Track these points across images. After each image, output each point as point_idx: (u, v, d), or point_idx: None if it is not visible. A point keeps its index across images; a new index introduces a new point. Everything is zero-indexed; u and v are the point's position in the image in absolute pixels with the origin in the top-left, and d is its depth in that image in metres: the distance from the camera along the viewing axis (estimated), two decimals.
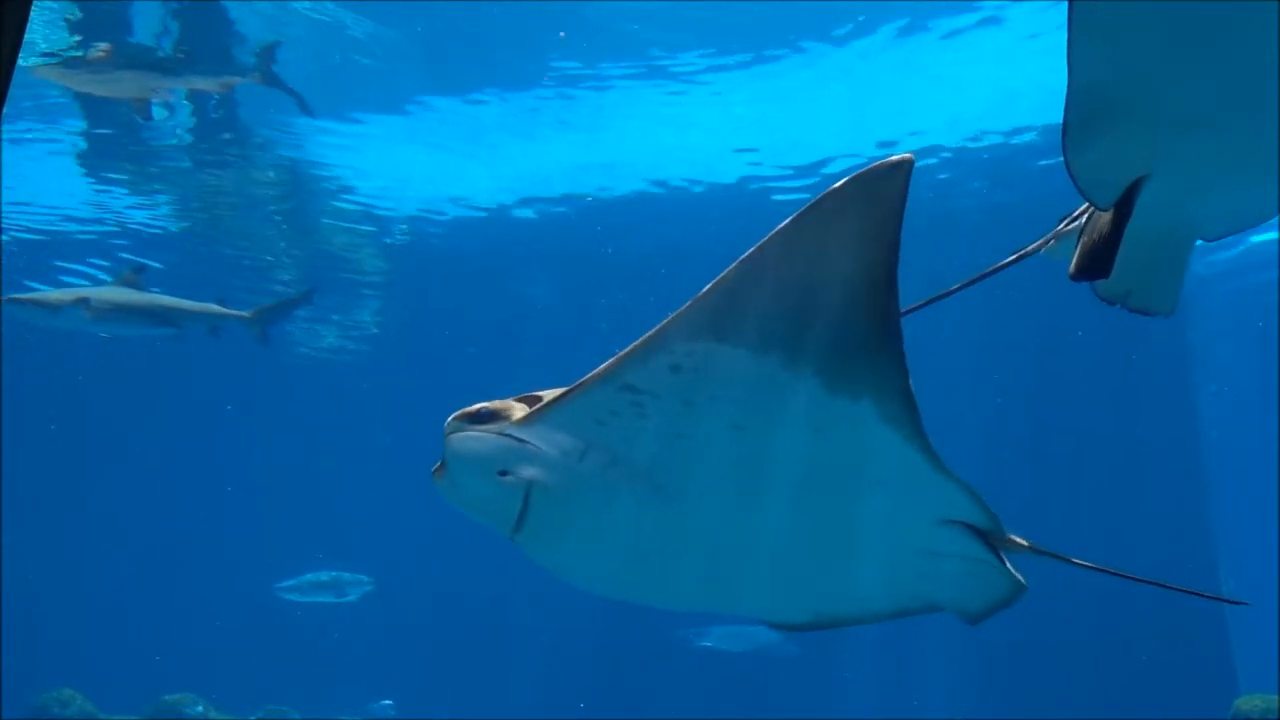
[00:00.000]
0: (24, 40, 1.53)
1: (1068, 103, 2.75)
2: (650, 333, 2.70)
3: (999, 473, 18.46)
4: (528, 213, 16.20)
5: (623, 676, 20.18)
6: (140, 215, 15.96)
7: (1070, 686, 17.91)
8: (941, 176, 14.54)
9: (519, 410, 3.02)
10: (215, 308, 12.24)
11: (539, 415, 2.95)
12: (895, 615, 3.37)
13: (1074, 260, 3.28)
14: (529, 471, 2.97)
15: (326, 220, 16.08)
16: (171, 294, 12.68)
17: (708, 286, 2.62)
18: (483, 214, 16.27)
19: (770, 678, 19.83)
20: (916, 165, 2.51)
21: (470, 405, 3.07)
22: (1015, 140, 13.91)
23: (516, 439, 2.98)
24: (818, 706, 19.12)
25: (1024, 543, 3.24)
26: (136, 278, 12.32)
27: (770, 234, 2.56)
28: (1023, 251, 4.08)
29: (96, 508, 25.56)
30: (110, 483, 25.12)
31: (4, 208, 15.32)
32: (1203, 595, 3.59)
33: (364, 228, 16.43)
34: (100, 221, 16.26)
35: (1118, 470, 18.51)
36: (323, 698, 18.16)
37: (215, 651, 21.58)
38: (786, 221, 2.54)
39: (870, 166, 2.50)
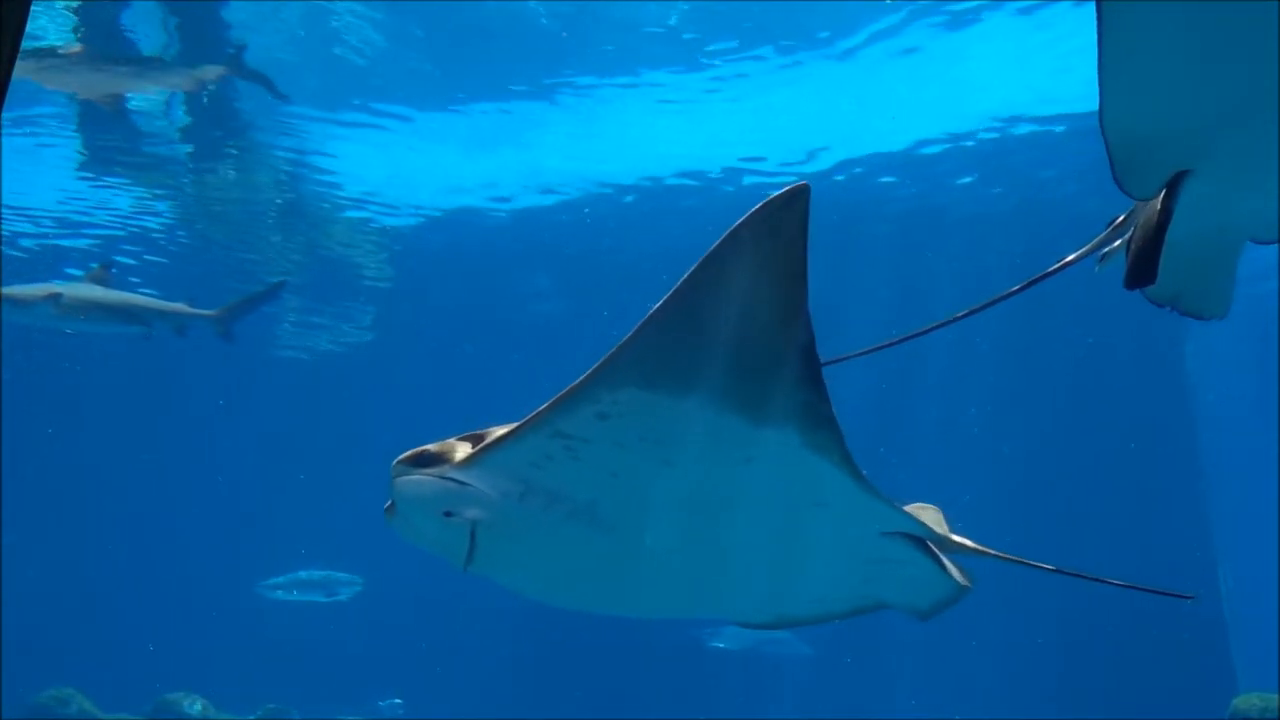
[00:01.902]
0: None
1: (1101, 95, 2.66)
2: (577, 382, 2.78)
3: (999, 472, 18.52)
4: (527, 212, 16.19)
5: (631, 676, 20.16)
6: (138, 215, 15.94)
7: (1069, 685, 17.91)
8: (950, 179, 14.49)
9: (461, 451, 3.14)
10: (182, 307, 12.19)
11: (478, 458, 3.07)
12: (851, 614, 3.59)
13: (1126, 269, 3.15)
14: (472, 512, 3.11)
15: (325, 219, 16.06)
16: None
17: (627, 336, 2.69)
18: (483, 213, 16.26)
19: (783, 677, 19.83)
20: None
21: (412, 449, 3.21)
22: (1039, 135, 13.74)
23: (458, 481, 3.10)
24: (830, 706, 19.12)
25: (968, 543, 3.43)
26: (106, 274, 12.20)
27: (679, 282, 2.61)
28: (1067, 260, 3.90)
29: (95, 507, 25.54)
30: (109, 482, 25.10)
31: (3, 208, 15.32)
32: (1152, 591, 3.69)
33: (363, 226, 16.42)
34: (102, 226, 16.26)
35: (1117, 470, 18.51)
36: (323, 696, 18.14)
37: (215, 650, 21.55)
38: (692, 268, 2.59)
39: (766, 200, 2.51)
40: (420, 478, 3.16)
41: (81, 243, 16.65)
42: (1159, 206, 2.94)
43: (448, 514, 3.13)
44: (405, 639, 22.93)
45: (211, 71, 11.27)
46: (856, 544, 3.23)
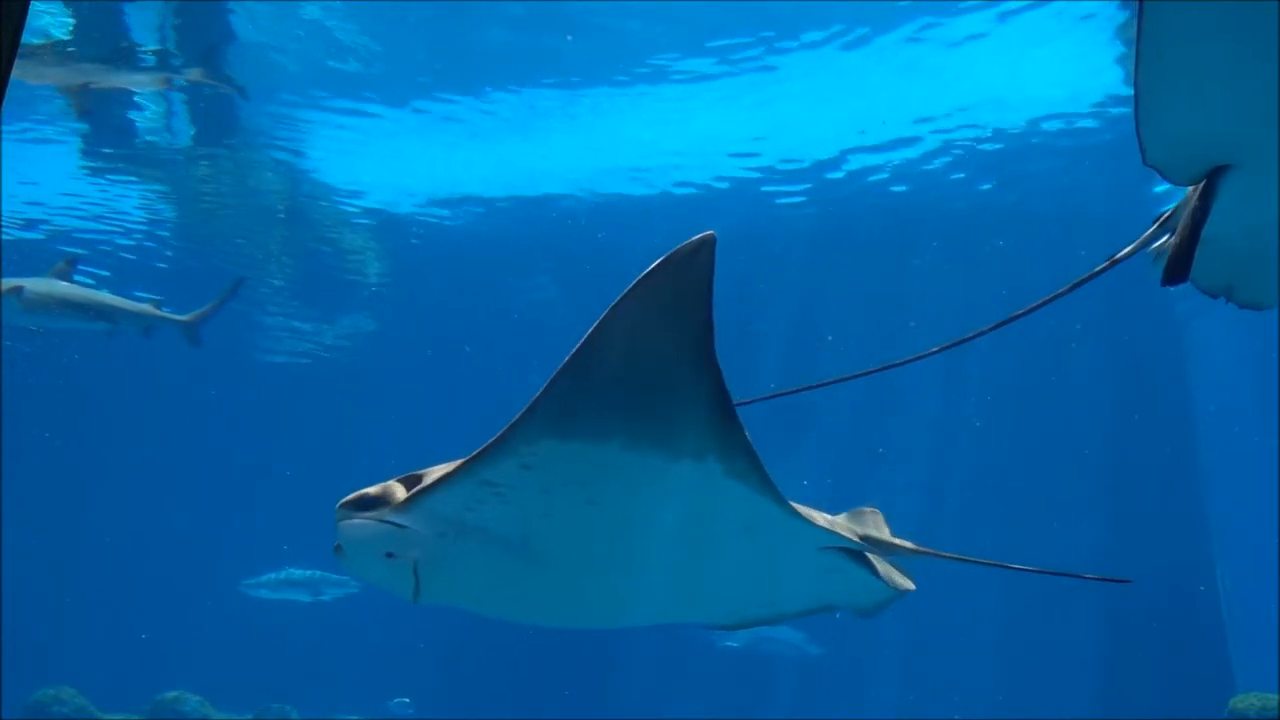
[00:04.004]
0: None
1: (1136, 92, 2.60)
2: (500, 434, 2.89)
3: (999, 472, 18.52)
4: (526, 212, 16.17)
5: (640, 675, 20.16)
6: (135, 215, 15.93)
7: (1069, 685, 17.93)
8: (955, 176, 14.37)
9: (400, 494, 3.30)
10: (150, 308, 12.13)
11: (413, 502, 3.22)
12: (802, 615, 3.84)
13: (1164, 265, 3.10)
14: (412, 552, 3.27)
15: (322, 219, 16.04)
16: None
17: (541, 391, 2.77)
18: (481, 213, 16.24)
19: (791, 678, 19.84)
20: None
21: (353, 493, 3.37)
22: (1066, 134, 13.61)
23: (396, 524, 3.26)
24: (838, 707, 19.14)
25: (908, 545, 3.64)
26: (69, 270, 12.05)
27: (587, 334, 2.69)
28: (1117, 256, 3.77)
29: (92, 507, 25.52)
30: (108, 482, 25.08)
31: (2, 207, 15.30)
32: (1087, 577, 3.87)
33: (361, 226, 16.40)
34: (98, 230, 16.24)
35: (1116, 471, 18.53)
36: (323, 696, 18.14)
37: (212, 649, 21.56)
38: (597, 321, 2.67)
39: (672, 251, 2.59)
40: (361, 521, 3.32)
41: (75, 249, 16.61)
42: (1196, 203, 2.90)
43: (390, 554, 3.28)
44: (408, 638, 22.93)
45: (191, 72, 11.22)
46: (787, 560, 3.41)
